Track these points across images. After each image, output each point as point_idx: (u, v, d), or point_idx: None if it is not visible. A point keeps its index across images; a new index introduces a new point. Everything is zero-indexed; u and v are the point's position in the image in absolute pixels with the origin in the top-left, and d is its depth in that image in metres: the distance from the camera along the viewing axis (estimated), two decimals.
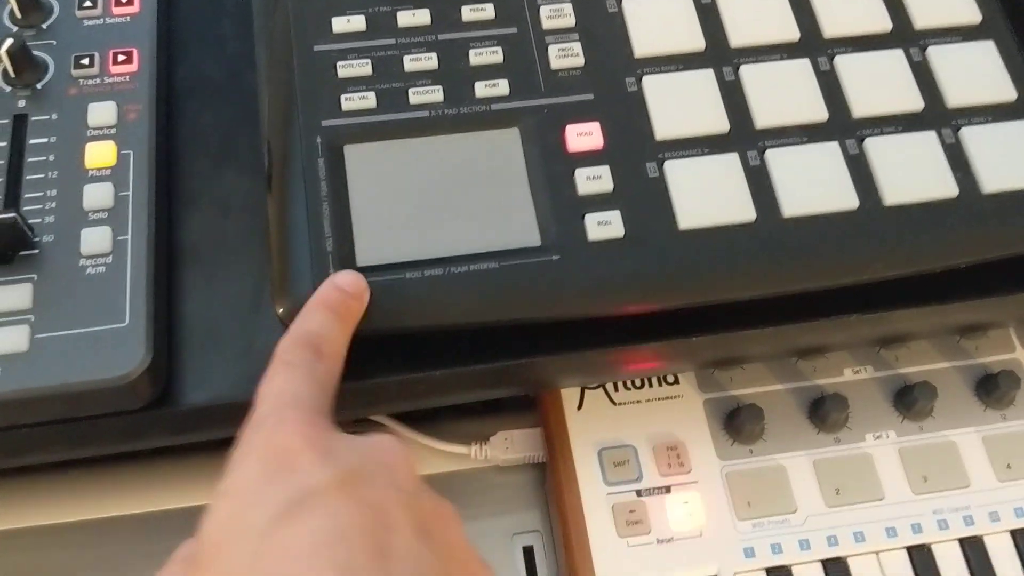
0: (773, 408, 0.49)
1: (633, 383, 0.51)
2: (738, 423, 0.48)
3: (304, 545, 0.29)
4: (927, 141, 0.45)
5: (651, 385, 0.51)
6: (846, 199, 0.43)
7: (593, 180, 0.43)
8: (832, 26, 0.47)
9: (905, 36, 0.48)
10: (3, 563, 0.49)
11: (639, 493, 0.48)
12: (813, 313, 0.44)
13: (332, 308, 0.39)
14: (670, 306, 0.42)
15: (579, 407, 0.50)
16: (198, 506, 0.50)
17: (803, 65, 0.46)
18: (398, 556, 0.30)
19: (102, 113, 0.46)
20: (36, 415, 0.40)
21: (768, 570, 0.47)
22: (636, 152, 0.44)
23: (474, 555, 0.33)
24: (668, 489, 0.48)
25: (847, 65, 0.46)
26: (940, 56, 0.47)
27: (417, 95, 0.45)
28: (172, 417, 0.42)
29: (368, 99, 0.45)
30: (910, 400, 0.49)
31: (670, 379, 0.51)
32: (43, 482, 0.52)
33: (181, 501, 0.52)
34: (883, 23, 0.48)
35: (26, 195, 0.44)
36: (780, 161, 0.44)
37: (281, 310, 0.41)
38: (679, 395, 0.50)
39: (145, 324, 0.41)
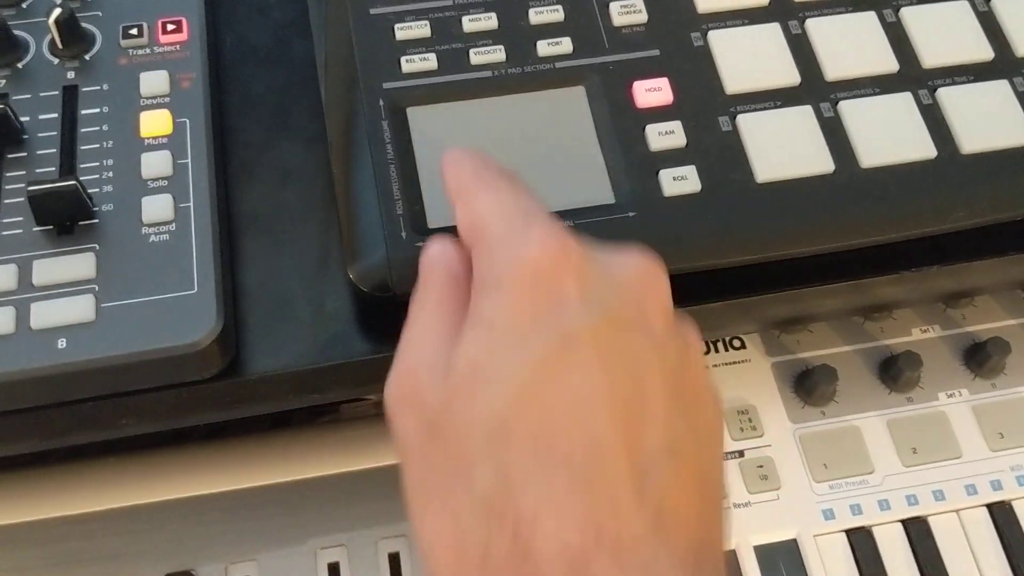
0: (842, 369, 0.49)
1: None
2: (810, 384, 0.48)
3: (562, 408, 0.28)
4: (999, 89, 0.44)
5: (717, 350, 0.50)
6: (923, 148, 0.43)
7: (665, 135, 0.43)
8: None
9: None
10: (57, 550, 0.48)
11: None
12: (892, 266, 0.43)
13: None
14: (752, 260, 0.41)
15: None
16: (246, 488, 0.50)
17: (869, 17, 0.46)
18: (652, 422, 0.29)
19: (155, 82, 0.45)
20: (105, 386, 0.39)
21: (848, 531, 0.46)
22: (707, 107, 0.43)
23: (707, 386, 0.32)
24: (742, 453, 0.47)
25: (913, 16, 0.46)
26: (1006, 5, 0.46)
27: (479, 55, 0.44)
28: (243, 387, 0.41)
29: (429, 60, 0.44)
30: (982, 357, 0.49)
31: (736, 344, 0.50)
32: (92, 467, 0.50)
33: (231, 484, 0.50)
34: None
35: (82, 165, 0.42)
36: (854, 112, 0.43)
37: (354, 274, 0.40)
38: (746, 359, 0.50)
39: (215, 290, 0.39)
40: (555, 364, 0.28)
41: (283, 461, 0.50)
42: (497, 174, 0.34)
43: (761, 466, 0.47)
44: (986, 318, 0.51)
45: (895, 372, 0.48)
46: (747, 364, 0.49)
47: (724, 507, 0.31)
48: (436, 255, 0.34)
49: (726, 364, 0.49)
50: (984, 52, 0.45)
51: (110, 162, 0.42)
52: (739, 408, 0.48)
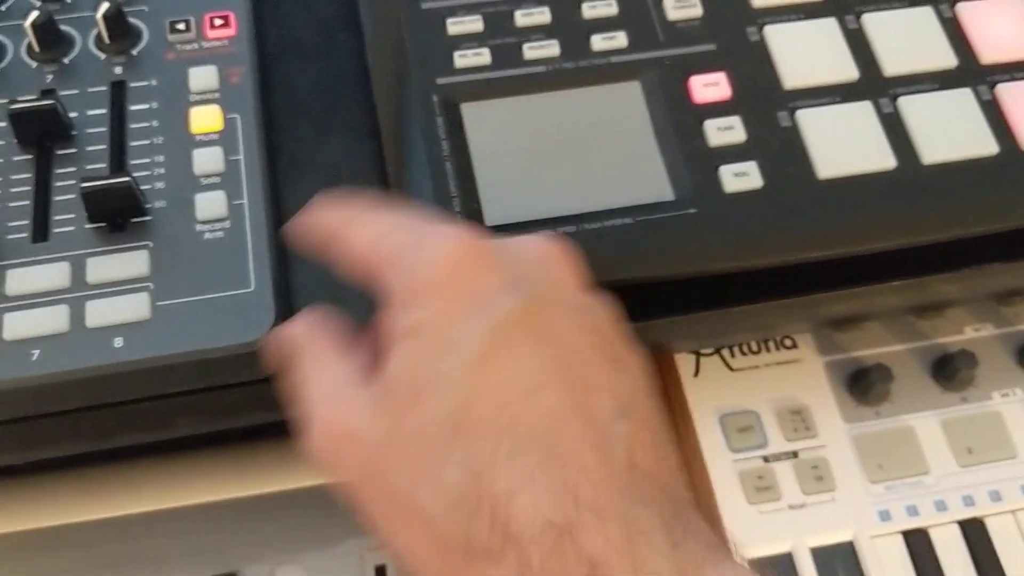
0: (895, 368, 0.48)
1: (750, 348, 0.49)
2: (865, 384, 0.47)
3: (510, 393, 0.28)
4: None
5: (768, 350, 0.49)
6: (985, 145, 0.42)
7: (725, 131, 0.42)
8: None
9: None
10: (101, 552, 0.47)
11: (766, 459, 0.46)
12: (951, 264, 0.43)
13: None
14: (815, 257, 0.40)
15: (695, 374, 0.48)
16: (291, 489, 0.49)
17: (926, 12, 0.45)
18: (598, 389, 0.30)
19: (204, 77, 0.44)
20: (161, 386, 0.38)
21: (905, 533, 0.45)
22: (766, 102, 0.43)
23: (633, 353, 0.33)
24: (795, 454, 0.47)
25: (969, 11, 0.45)
26: None
27: (532, 50, 0.44)
28: None
29: (482, 55, 0.43)
30: None
31: (787, 343, 0.49)
32: (136, 468, 0.50)
33: (276, 485, 0.50)
34: None
35: (133, 161, 0.42)
36: (914, 108, 0.43)
37: None
38: (798, 359, 0.49)
39: (272, 288, 0.39)
40: (495, 353, 0.29)
41: None
42: (366, 207, 0.34)
43: (816, 467, 0.46)
44: None
45: (950, 371, 0.47)
46: (799, 364, 0.49)
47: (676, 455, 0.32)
48: (302, 327, 0.34)
49: (778, 363, 0.49)
50: None
51: (161, 159, 0.42)
52: (792, 408, 0.47)
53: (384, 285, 0.32)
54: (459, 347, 0.29)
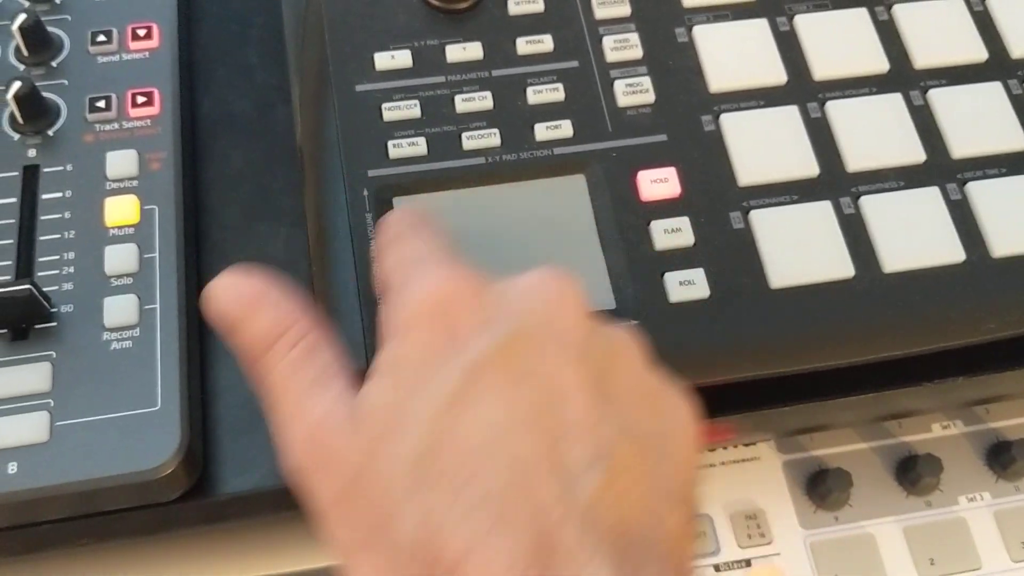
0: (858, 470, 0.45)
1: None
2: (823, 489, 0.44)
3: (477, 440, 0.27)
4: None
5: (725, 447, 0.47)
6: (951, 251, 0.39)
7: (672, 233, 0.39)
8: (924, 57, 0.43)
9: (1003, 66, 0.43)
10: None
11: (717, 568, 0.44)
12: (912, 377, 0.40)
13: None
14: (765, 374, 0.38)
15: None
16: None
17: (894, 100, 0.42)
18: (575, 434, 0.27)
19: (122, 163, 0.41)
20: (60, 511, 0.36)
21: None
22: (718, 200, 0.40)
23: (656, 387, 0.31)
24: (749, 563, 0.44)
25: (942, 99, 0.42)
26: None
27: (472, 140, 0.41)
28: (211, 507, 0.38)
29: (418, 145, 0.41)
30: (1006, 459, 0.45)
31: (745, 440, 0.47)
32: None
33: None
34: (978, 53, 0.43)
35: (40, 259, 0.39)
36: (876, 209, 0.40)
37: None
38: (756, 457, 0.46)
39: (179, 407, 0.36)
40: (464, 396, 0.28)
41: None
42: (409, 227, 0.34)
43: None
44: (1012, 412, 0.47)
45: (914, 476, 0.45)
46: (757, 463, 0.46)
47: (692, 509, 0.30)
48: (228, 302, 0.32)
49: (735, 462, 0.46)
50: (1019, 141, 0.42)
51: (71, 255, 0.39)
52: (747, 512, 0.45)
53: (383, 314, 0.31)
54: (431, 389, 0.28)
